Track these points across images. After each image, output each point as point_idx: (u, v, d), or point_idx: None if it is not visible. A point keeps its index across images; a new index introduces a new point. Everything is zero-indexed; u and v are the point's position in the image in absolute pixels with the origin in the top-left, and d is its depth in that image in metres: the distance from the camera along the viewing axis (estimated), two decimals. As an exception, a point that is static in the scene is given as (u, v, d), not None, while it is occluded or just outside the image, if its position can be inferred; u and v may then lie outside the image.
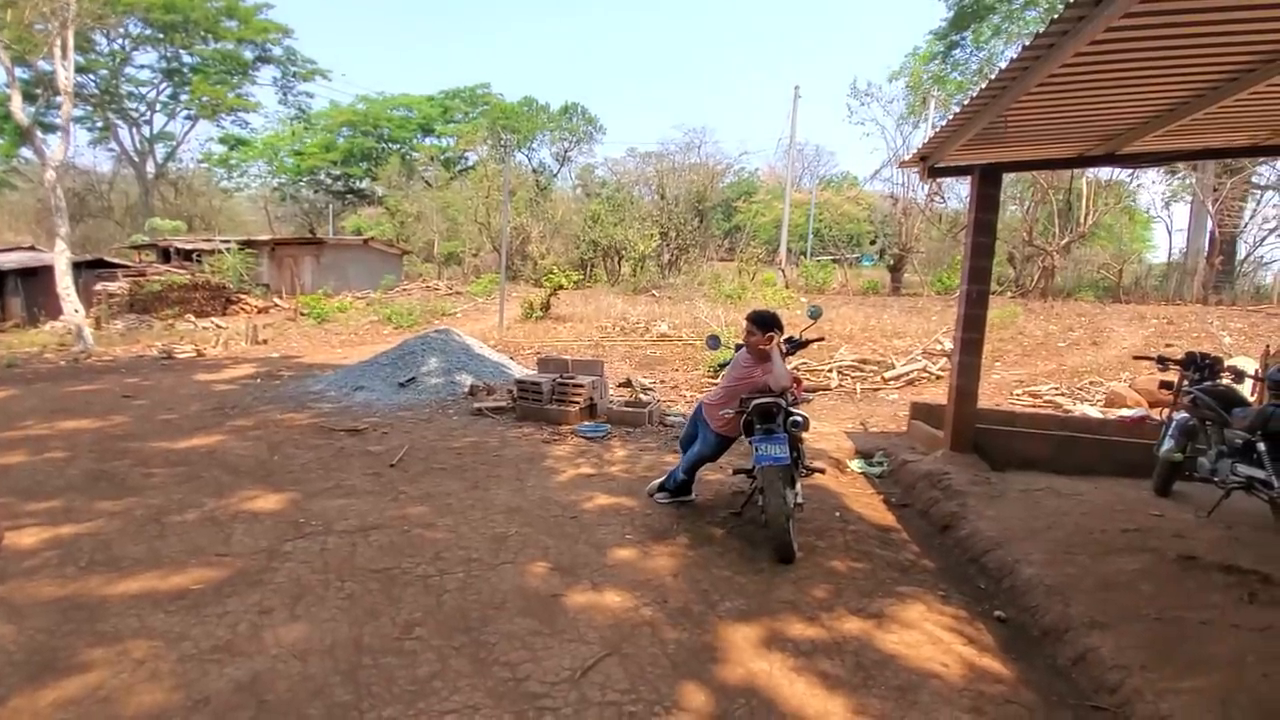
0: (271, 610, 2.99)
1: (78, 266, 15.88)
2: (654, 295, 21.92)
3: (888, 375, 10.46)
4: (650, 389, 9.58)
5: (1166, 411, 4.96)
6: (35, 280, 17.76)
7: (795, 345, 4.48)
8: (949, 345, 11.22)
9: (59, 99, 15.17)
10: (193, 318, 17.84)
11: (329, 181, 40.94)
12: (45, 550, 3.59)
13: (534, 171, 39.98)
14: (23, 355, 11.91)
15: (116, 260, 21.35)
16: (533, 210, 30.09)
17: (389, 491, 4.78)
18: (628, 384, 9.66)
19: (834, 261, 30.77)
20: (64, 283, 13.69)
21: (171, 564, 3.46)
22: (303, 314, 17.95)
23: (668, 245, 28.10)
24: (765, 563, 3.69)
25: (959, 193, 23.50)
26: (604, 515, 4.39)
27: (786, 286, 24.72)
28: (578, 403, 7.06)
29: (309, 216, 39.60)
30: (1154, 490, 4.71)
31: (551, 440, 6.35)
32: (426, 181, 36.96)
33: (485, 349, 10.40)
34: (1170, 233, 27.04)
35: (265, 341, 14.58)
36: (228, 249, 21.22)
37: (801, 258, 32.48)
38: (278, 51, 36.95)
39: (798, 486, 3.98)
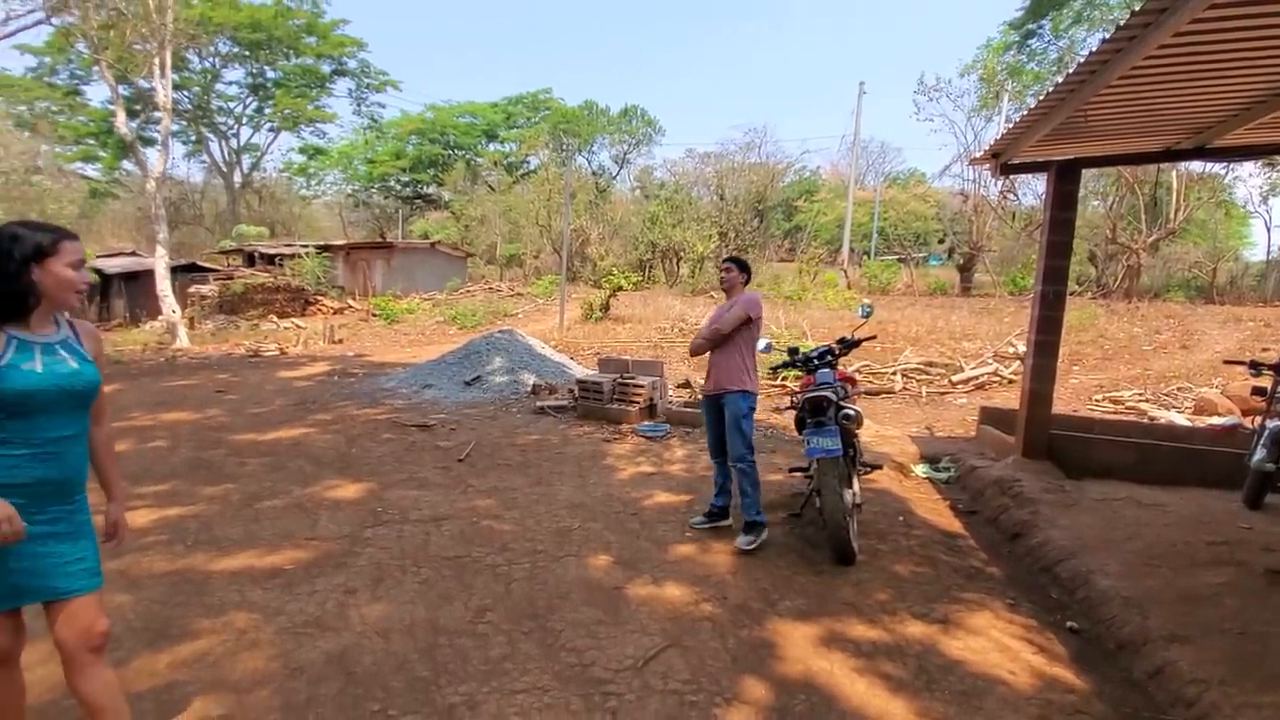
0: (355, 591, 3.21)
1: (174, 270, 17.12)
2: (712, 296, 21.86)
3: (956, 378, 10.15)
4: (708, 390, 9.61)
5: (1259, 419, 4.67)
6: (137, 283, 19.25)
7: (848, 345, 4.45)
8: (1022, 348, 10.79)
9: (158, 115, 16.39)
10: (275, 318, 18.93)
11: (398, 188, 42.58)
12: (156, 529, 3.95)
13: (594, 174, 40.46)
14: (127, 352, 12.94)
15: (207, 264, 22.86)
16: (592, 212, 30.47)
17: (458, 485, 5.00)
18: (687, 384, 9.72)
19: (899, 261, 29.93)
20: (163, 285, 14.81)
21: (266, 545, 3.74)
22: (374, 315, 18.78)
23: (726, 246, 27.97)
24: (825, 564, 3.69)
25: (1035, 188, 22.46)
26: (664, 512, 4.47)
27: (849, 287, 24.21)
28: (638, 402, 7.17)
29: (379, 221, 41.33)
30: (1244, 502, 4.44)
31: (612, 439, 6.48)
32: (490, 186, 37.98)
33: (547, 349, 10.66)
34: (1269, 229, 25.04)
35: (340, 341, 15.34)
36: (306, 253, 22.40)
37: (865, 257, 31.71)
38: (352, 65, 38.74)
39: (855, 485, 3.96)
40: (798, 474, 4.88)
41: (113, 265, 19.98)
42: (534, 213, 30.63)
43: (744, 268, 4.22)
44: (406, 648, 2.72)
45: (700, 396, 4.32)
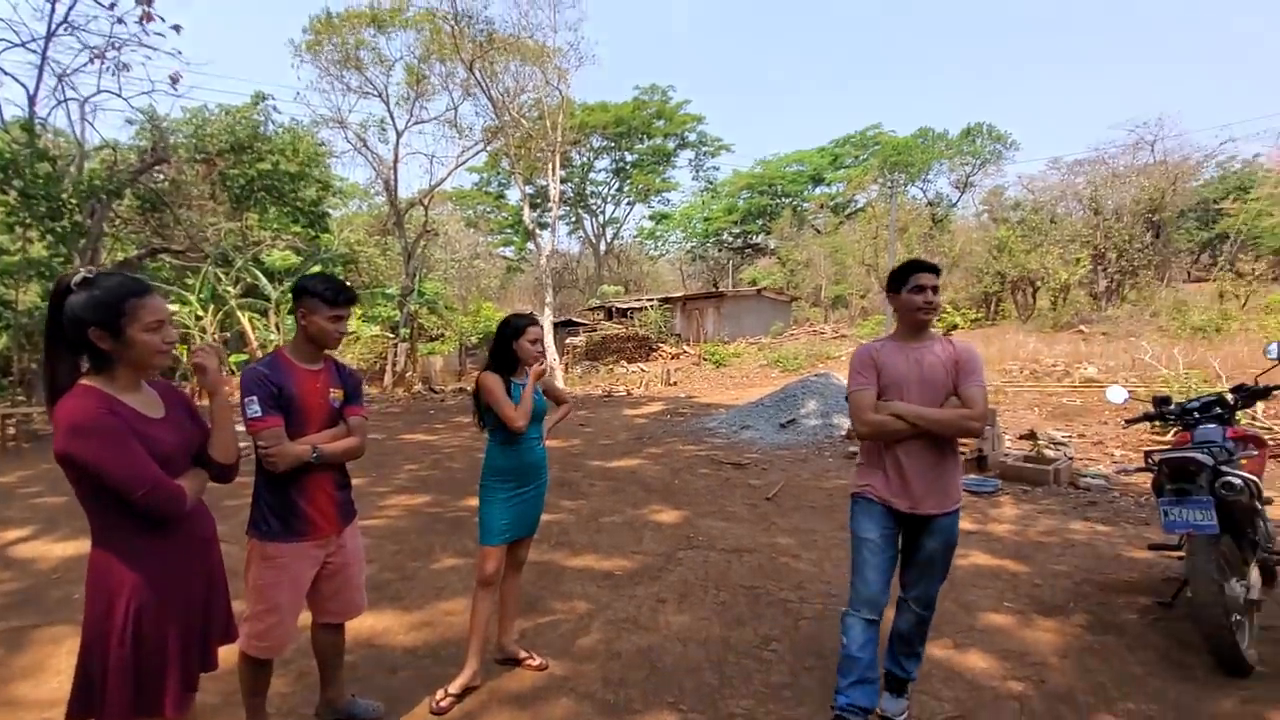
0: (665, 601, 3.71)
1: (555, 326, 21.34)
2: (1081, 332, 18.45)
3: None
4: (1063, 444, 8.22)
5: None
6: (533, 337, 24.58)
7: (1250, 395, 3.46)
8: None
9: (550, 205, 20.85)
10: (625, 363, 22.08)
11: (730, 239, 46.02)
12: (532, 530, 5.10)
13: (929, 204, 37.90)
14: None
15: (579, 320, 27.89)
16: (926, 245, 28.54)
17: (762, 521, 5.28)
18: (1031, 436, 8.47)
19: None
20: (548, 339, 18.67)
21: (603, 552, 4.54)
22: (705, 359, 20.53)
23: (1104, 270, 23.34)
24: (1199, 669, 2.95)
25: None
26: (979, 576, 4.08)
27: (1301, 313, 17.93)
28: (963, 454, 6.56)
29: (713, 272, 45.11)
30: None
31: (928, 490, 6.06)
32: (816, 229, 38.47)
33: (865, 392, 10.39)
34: None
35: (675, 383, 17.18)
36: (650, 306, 25.69)
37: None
38: (692, 137, 43.66)
39: (1252, 577, 3.06)
40: (1170, 553, 3.94)
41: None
42: (860, 252, 30.01)
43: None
44: (699, 657, 3.07)
45: (877, 503, 2.76)
